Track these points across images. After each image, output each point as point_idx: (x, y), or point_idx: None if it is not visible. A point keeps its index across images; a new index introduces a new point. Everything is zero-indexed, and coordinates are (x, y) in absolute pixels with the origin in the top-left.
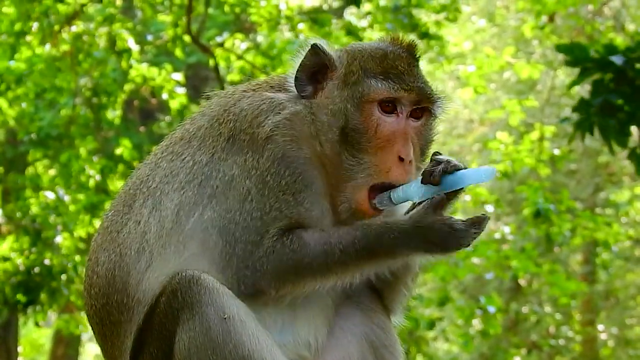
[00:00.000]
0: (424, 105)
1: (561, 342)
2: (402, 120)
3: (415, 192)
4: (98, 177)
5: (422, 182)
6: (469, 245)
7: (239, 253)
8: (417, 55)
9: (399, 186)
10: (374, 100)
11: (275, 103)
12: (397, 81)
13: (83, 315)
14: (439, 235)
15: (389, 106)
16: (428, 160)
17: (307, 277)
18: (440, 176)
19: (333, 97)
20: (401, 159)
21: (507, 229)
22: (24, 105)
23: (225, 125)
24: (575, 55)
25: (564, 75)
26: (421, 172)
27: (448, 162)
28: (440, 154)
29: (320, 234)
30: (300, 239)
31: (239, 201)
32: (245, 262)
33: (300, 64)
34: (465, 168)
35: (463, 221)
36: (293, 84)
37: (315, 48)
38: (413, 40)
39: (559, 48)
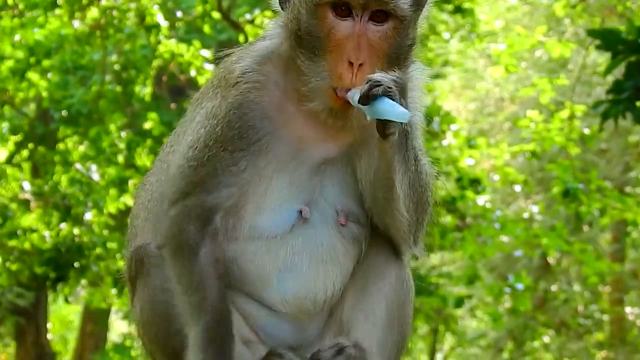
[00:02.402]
0: (376, 8)
1: (590, 323)
2: (357, 25)
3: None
4: (126, 152)
5: (358, 102)
6: None
7: (154, 203)
8: None
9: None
10: (324, 3)
11: (252, 47)
12: None
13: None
14: None
15: (343, 10)
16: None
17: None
18: (366, 98)
19: (292, 5)
20: (351, 63)
21: (535, 209)
22: (49, 75)
23: (215, 77)
24: (607, 40)
25: (595, 54)
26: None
27: (372, 85)
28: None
29: (213, 259)
30: (193, 253)
31: (185, 146)
32: (155, 214)
33: None
34: (393, 95)
35: None
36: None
37: None
38: None
39: (591, 33)
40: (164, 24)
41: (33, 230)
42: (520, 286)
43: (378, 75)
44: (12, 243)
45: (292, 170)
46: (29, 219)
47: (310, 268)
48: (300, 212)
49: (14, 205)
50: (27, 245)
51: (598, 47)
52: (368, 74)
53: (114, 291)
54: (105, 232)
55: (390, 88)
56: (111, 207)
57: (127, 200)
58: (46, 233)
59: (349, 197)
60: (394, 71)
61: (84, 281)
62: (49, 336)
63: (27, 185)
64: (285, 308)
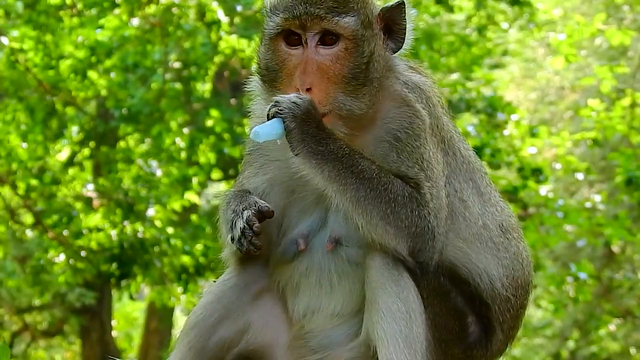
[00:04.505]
0: (317, 30)
1: None
2: (305, 51)
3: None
4: (188, 149)
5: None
6: None
7: None
8: None
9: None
10: (275, 35)
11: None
12: (283, 12)
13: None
14: None
15: (295, 39)
16: (369, 85)
17: None
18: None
19: (258, 49)
20: (298, 90)
21: (598, 198)
22: (112, 75)
23: None
24: None
25: None
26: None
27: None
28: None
29: None
30: None
31: None
32: None
33: None
34: (284, 116)
35: None
36: None
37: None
38: None
39: None
40: (224, 19)
41: (99, 230)
42: (583, 275)
43: (280, 97)
44: (79, 242)
45: (296, 202)
46: (94, 219)
47: (313, 289)
48: (297, 242)
49: (78, 205)
50: (93, 245)
51: None
52: (318, 97)
53: (179, 289)
54: (170, 229)
55: (281, 110)
56: (175, 205)
57: (192, 197)
58: (112, 232)
59: (342, 222)
60: (350, 92)
61: (148, 279)
62: (114, 333)
63: (89, 184)
64: (295, 321)
